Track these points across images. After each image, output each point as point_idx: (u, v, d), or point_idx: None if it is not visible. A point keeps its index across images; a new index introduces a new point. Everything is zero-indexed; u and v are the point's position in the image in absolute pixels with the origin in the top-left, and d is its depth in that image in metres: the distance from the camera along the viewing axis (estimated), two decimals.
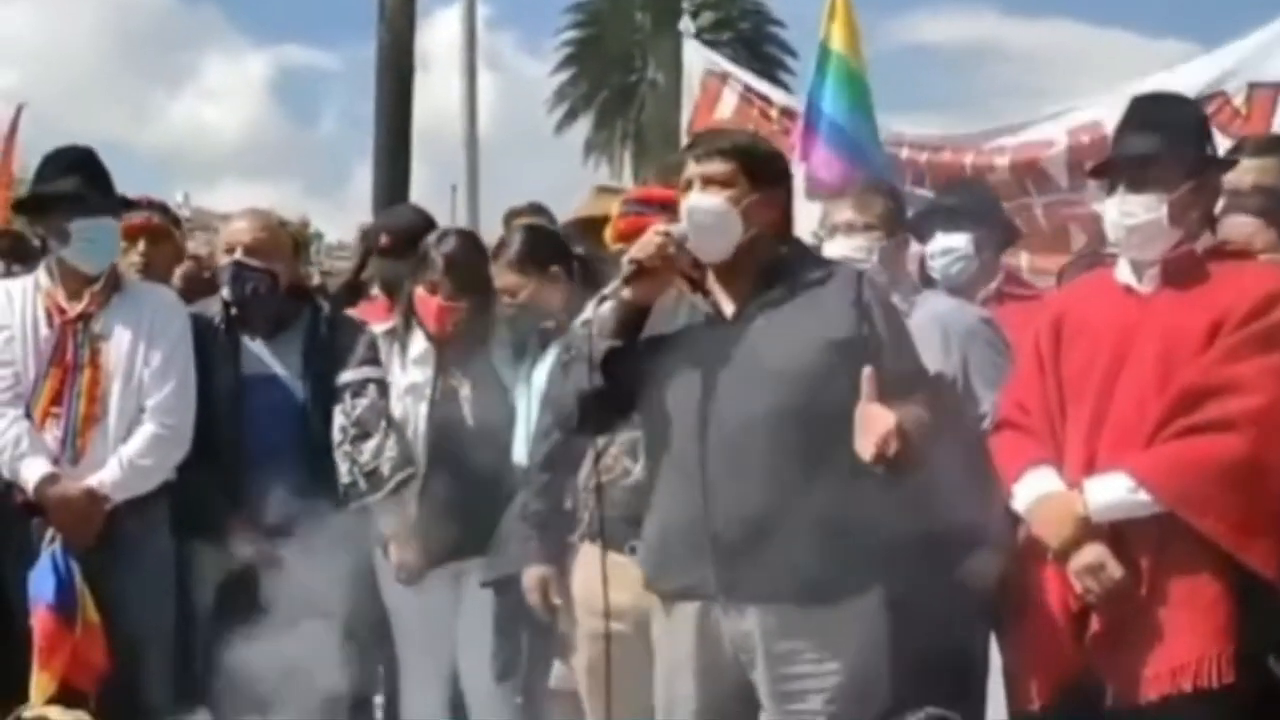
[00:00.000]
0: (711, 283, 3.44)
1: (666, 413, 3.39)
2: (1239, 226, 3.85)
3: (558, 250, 4.56)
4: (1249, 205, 3.97)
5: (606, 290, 3.40)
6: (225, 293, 4.64)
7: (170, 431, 4.36)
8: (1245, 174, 4.42)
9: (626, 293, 3.33)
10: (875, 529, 3.24)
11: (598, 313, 3.44)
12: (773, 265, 3.39)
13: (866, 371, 3.13)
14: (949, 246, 4.74)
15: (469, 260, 4.58)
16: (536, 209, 5.85)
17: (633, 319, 3.37)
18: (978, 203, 5.05)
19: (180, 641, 4.41)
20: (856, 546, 3.23)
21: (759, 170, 3.40)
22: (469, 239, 4.91)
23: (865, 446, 3.11)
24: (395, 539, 4.42)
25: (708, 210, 3.34)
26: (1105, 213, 3.53)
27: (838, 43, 6.68)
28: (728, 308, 3.39)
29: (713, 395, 3.30)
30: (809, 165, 6.39)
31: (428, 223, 5.29)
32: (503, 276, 4.53)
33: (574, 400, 3.47)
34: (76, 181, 4.42)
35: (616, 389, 3.40)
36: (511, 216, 5.99)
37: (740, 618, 3.30)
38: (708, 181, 3.37)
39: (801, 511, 3.20)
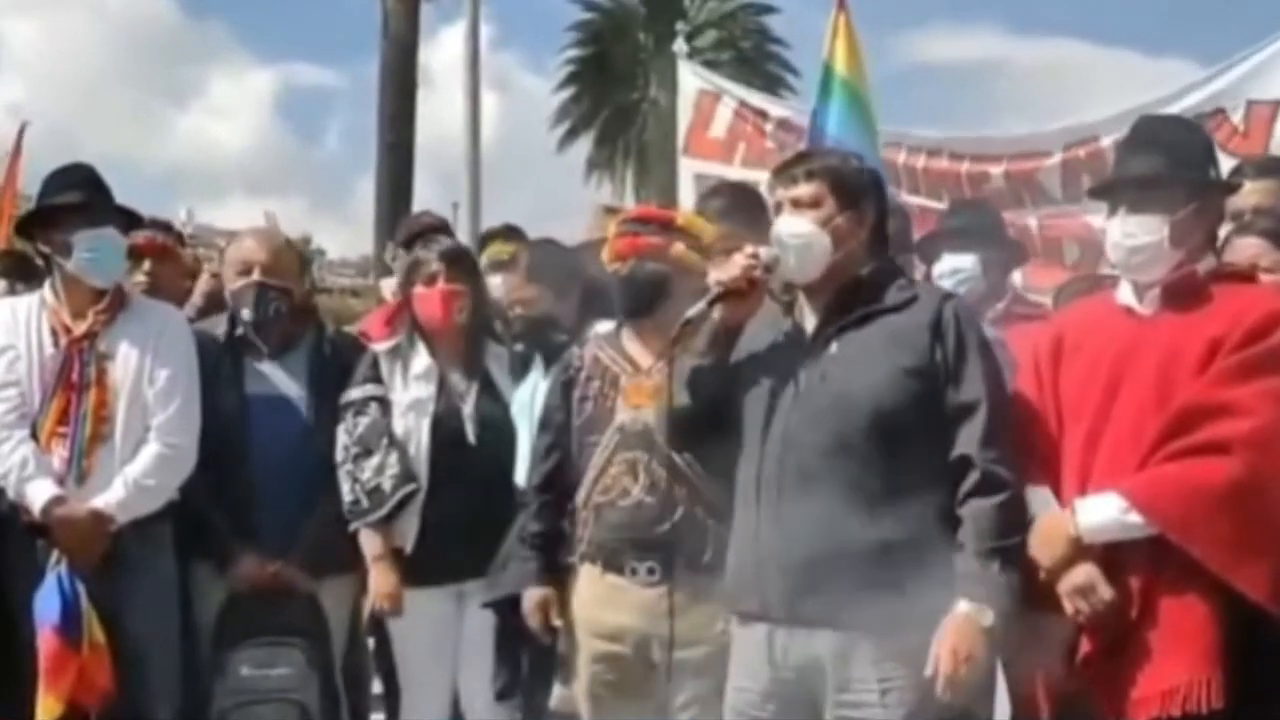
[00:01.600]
0: (800, 304, 3.48)
1: (746, 432, 3.44)
2: (1246, 248, 3.87)
3: (571, 267, 4.59)
4: (1256, 227, 3.99)
5: (691, 313, 3.43)
6: (247, 314, 4.63)
7: (175, 451, 4.36)
8: (1248, 196, 4.45)
9: (716, 313, 3.39)
10: (940, 558, 3.25)
11: (680, 333, 3.49)
12: (854, 286, 3.41)
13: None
14: (956, 267, 4.78)
15: (462, 251, 4.73)
16: (511, 230, 5.96)
17: (722, 339, 3.45)
18: (984, 223, 5.08)
19: (183, 661, 4.41)
20: (932, 575, 3.22)
21: (847, 189, 3.43)
22: (455, 240, 5.02)
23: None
24: (376, 565, 4.42)
25: (796, 233, 3.38)
26: (1107, 233, 3.53)
27: (841, 65, 6.70)
28: (809, 329, 3.43)
29: (784, 418, 3.35)
30: None
31: None
32: (521, 289, 4.55)
33: (670, 419, 3.53)
34: (79, 195, 4.42)
35: (708, 407, 3.48)
36: (487, 239, 6.10)
37: (809, 641, 3.31)
38: (797, 204, 3.41)
39: (865, 538, 3.21)
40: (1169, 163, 3.44)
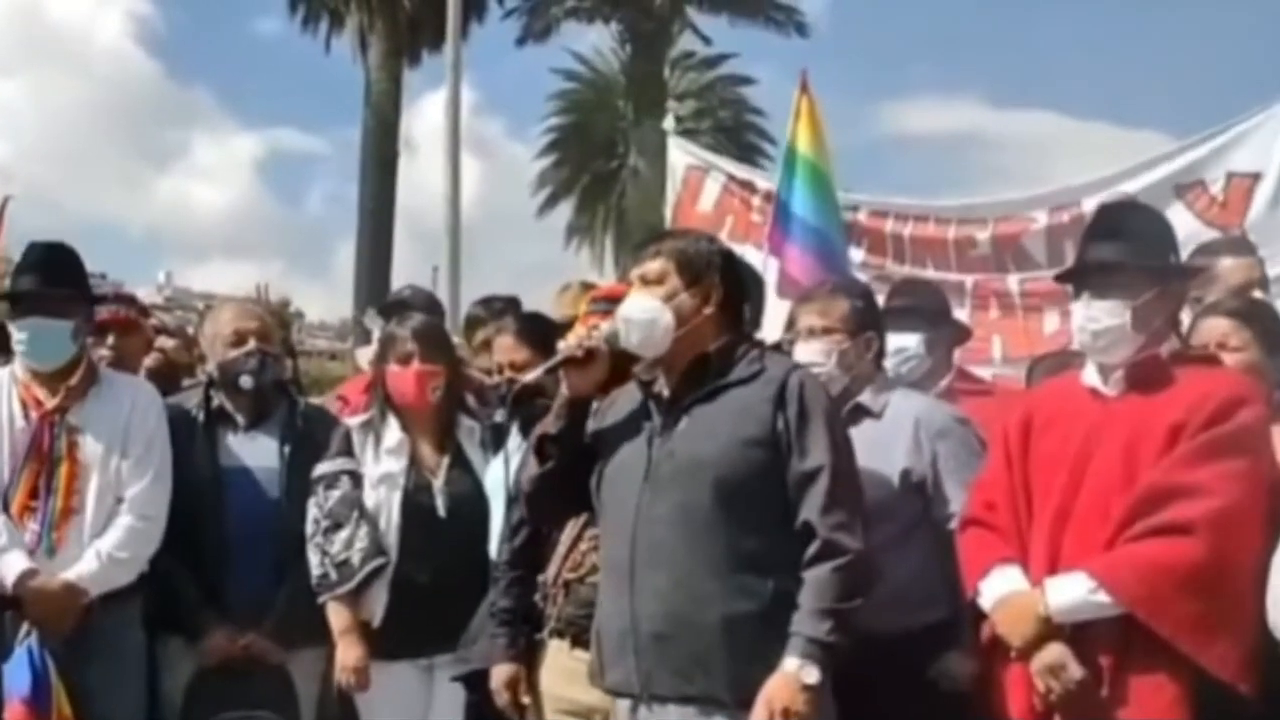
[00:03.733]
0: (659, 381, 3.50)
1: (603, 508, 3.49)
2: (1215, 328, 3.91)
3: (554, 335, 4.59)
4: (1223, 308, 4.04)
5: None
6: (247, 381, 4.64)
7: (147, 524, 4.36)
8: (1233, 274, 4.52)
9: (565, 386, 3.43)
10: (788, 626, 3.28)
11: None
12: (704, 362, 3.45)
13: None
14: (900, 347, 4.83)
15: (436, 329, 4.72)
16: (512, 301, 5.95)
17: (569, 410, 3.49)
18: (927, 304, 5.15)
19: None
20: (777, 649, 3.24)
21: (691, 267, 3.49)
22: (430, 315, 5.04)
23: None
24: (343, 638, 4.41)
25: (635, 308, 3.46)
26: (1072, 317, 3.61)
27: (804, 145, 6.77)
28: (662, 405, 3.46)
29: (640, 491, 3.38)
30: (782, 264, 6.44)
31: None
32: (513, 351, 4.55)
33: (521, 491, 3.58)
34: (34, 280, 4.44)
35: (564, 480, 3.50)
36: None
37: (663, 716, 3.33)
38: (644, 280, 3.48)
39: (715, 610, 3.24)
40: (1131, 249, 3.52)
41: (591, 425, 3.58)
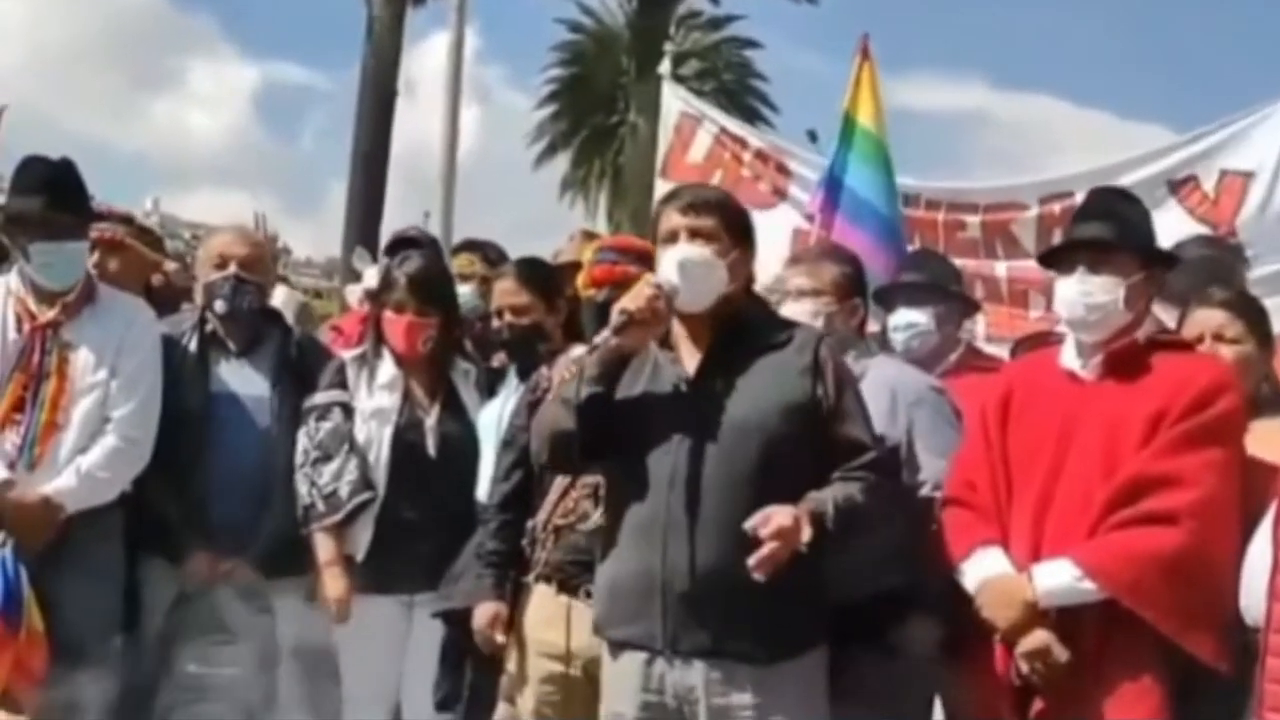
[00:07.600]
0: (676, 337, 3.49)
1: (626, 464, 3.43)
2: (1211, 317, 3.91)
3: (558, 283, 4.58)
4: (1215, 299, 4.04)
5: (597, 339, 3.43)
6: (220, 305, 4.62)
7: (131, 445, 4.34)
8: None
9: (614, 341, 3.38)
10: (822, 590, 3.33)
11: (580, 359, 3.51)
12: (734, 323, 3.44)
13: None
14: (911, 321, 4.83)
15: (434, 276, 4.66)
16: (482, 245, 5.94)
17: (616, 367, 3.42)
18: (940, 279, 5.11)
19: (128, 654, 4.35)
20: (803, 606, 3.28)
21: (737, 226, 3.48)
22: (431, 257, 4.98)
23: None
24: (328, 570, 4.41)
25: (700, 261, 3.40)
26: (1059, 292, 3.62)
27: (864, 116, 6.58)
28: (690, 364, 3.44)
29: (671, 451, 3.35)
30: (832, 237, 6.29)
31: None
32: (514, 295, 4.52)
33: (545, 438, 3.50)
34: (42, 202, 4.37)
35: (587, 434, 3.44)
36: (458, 250, 6.08)
37: (686, 670, 3.33)
38: (695, 234, 3.43)
39: (749, 570, 3.20)
40: (1122, 232, 3.58)
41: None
